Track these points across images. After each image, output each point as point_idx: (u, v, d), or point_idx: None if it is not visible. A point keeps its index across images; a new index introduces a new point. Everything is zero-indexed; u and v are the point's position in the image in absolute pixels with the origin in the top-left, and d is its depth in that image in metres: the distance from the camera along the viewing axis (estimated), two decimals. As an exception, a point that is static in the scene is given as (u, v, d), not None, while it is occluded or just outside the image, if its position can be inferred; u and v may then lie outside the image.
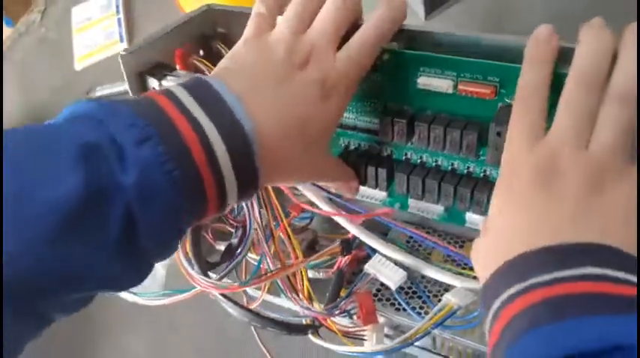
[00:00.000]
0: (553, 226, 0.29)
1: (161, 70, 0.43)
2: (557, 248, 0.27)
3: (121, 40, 0.82)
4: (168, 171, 0.27)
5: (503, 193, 0.32)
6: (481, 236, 0.33)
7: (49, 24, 0.87)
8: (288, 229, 0.46)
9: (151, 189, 0.27)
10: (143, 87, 0.43)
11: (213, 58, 0.46)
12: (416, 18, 0.40)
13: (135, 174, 0.26)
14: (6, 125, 0.84)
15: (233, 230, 0.51)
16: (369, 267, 0.42)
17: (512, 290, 0.27)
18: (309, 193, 0.44)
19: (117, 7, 0.84)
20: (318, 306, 0.43)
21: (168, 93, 0.31)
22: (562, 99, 0.31)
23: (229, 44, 0.46)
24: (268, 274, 0.44)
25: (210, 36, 0.48)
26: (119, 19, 0.83)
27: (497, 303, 0.28)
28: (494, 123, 0.36)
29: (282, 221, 0.46)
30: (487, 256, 0.32)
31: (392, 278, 0.41)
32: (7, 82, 0.85)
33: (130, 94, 0.44)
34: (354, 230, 0.44)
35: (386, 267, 0.42)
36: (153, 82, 0.42)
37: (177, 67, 0.44)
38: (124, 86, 0.81)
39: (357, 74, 0.38)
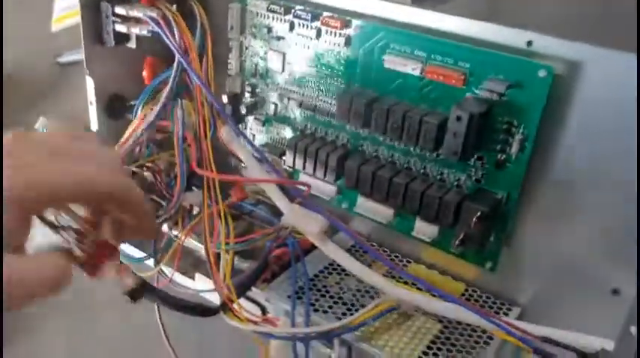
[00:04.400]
0: None
1: (121, 1, 0.40)
2: None
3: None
4: None
5: None
6: None
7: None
8: (223, 210, 0.41)
9: None
10: (95, 14, 0.40)
11: (186, 16, 0.43)
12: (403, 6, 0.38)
13: None
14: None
15: (164, 203, 0.47)
16: (286, 219, 0.37)
17: None
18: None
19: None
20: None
21: None
22: None
23: (204, 4, 0.44)
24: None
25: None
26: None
27: None
28: (455, 106, 0.33)
29: (218, 203, 0.41)
30: None
31: (314, 224, 0.36)
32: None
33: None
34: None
35: (304, 216, 0.37)
36: (106, 8, 0.39)
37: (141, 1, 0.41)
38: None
39: None
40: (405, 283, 0.39)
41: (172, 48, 0.38)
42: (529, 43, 0.33)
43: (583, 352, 0.32)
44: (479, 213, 0.35)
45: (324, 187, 0.43)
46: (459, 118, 0.33)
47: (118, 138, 0.43)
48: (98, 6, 0.40)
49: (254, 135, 0.47)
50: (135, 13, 0.39)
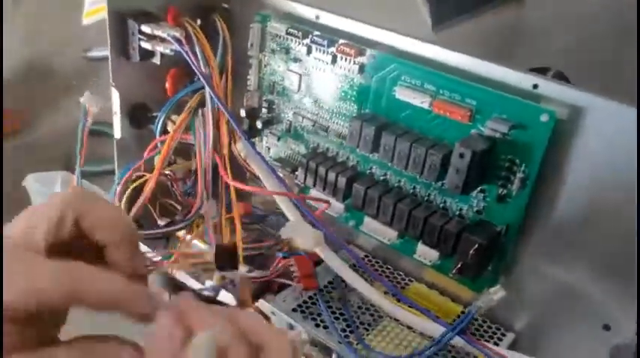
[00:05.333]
0: None
1: (147, 18, 0.42)
2: None
3: None
4: None
5: None
6: None
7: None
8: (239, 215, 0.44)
9: None
10: (122, 30, 0.42)
11: (209, 30, 0.45)
12: (425, 28, 0.39)
13: None
14: (8, 73, 0.82)
15: (179, 207, 0.49)
16: (284, 232, 0.39)
17: None
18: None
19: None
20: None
21: None
22: None
23: (228, 21, 0.46)
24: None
25: (212, 7, 0.47)
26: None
27: None
28: (459, 143, 0.34)
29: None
30: None
31: (309, 238, 0.38)
32: (17, 27, 0.83)
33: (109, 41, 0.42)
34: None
35: (302, 230, 0.38)
36: (132, 26, 0.41)
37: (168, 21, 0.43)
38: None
39: None
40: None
41: (195, 69, 0.40)
42: (535, 86, 0.34)
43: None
44: (476, 245, 0.36)
45: (333, 204, 0.45)
46: (461, 155, 0.34)
47: (141, 146, 0.45)
48: (125, 21, 0.42)
49: (269, 148, 0.49)
50: (159, 32, 0.40)
